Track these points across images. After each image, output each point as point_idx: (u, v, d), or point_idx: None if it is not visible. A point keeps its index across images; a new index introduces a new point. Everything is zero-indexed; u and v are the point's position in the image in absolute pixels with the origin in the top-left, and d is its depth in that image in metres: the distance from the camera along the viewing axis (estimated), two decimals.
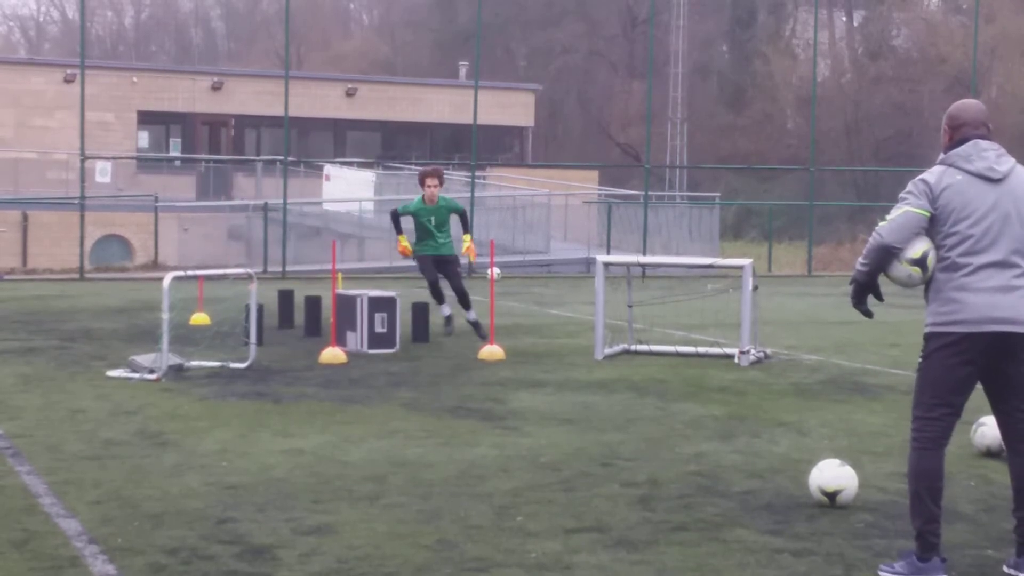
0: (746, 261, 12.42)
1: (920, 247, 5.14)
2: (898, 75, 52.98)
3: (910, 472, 5.21)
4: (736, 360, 11.93)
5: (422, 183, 13.07)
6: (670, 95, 51.77)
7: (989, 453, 7.57)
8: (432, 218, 13.12)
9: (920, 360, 5.21)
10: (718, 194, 41.68)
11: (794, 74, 53.59)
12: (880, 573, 5.21)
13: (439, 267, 13.27)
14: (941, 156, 5.21)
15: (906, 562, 5.17)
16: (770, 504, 6.36)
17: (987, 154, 5.12)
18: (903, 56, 55.65)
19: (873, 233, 5.17)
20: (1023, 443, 5.23)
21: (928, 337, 5.17)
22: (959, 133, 5.20)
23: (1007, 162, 5.14)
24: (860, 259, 5.27)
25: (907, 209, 5.10)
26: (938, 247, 5.14)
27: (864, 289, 5.30)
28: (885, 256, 5.14)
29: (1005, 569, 5.26)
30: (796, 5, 61.44)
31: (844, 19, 61.48)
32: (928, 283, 5.19)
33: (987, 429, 7.59)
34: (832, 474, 6.35)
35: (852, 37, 60.34)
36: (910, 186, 5.17)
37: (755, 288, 12.28)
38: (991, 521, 6.09)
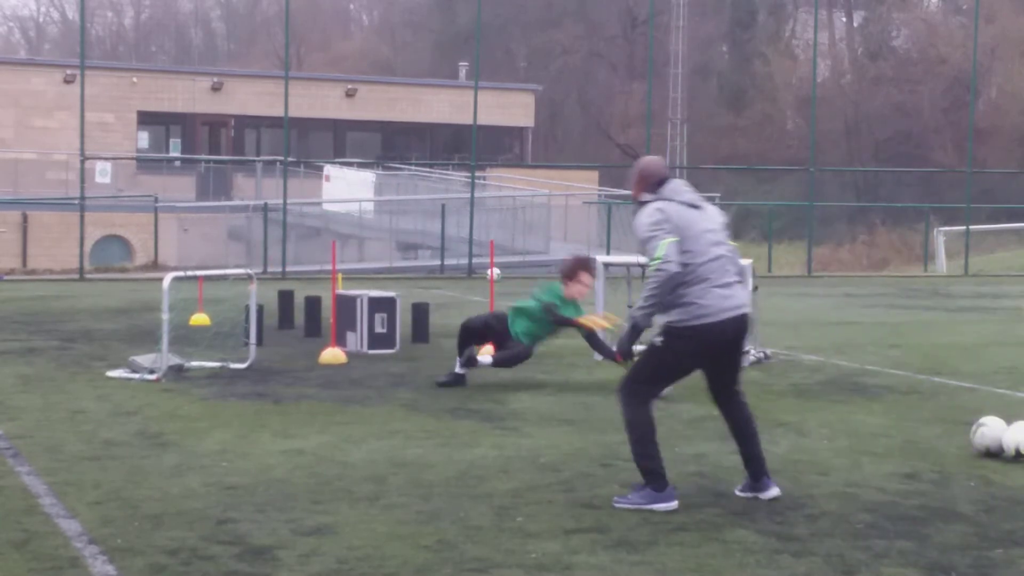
0: (746, 261, 12.35)
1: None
2: (898, 75, 53.02)
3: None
4: None
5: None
6: (670, 96, 51.79)
7: (989, 453, 7.57)
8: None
9: None
10: (718, 195, 41.60)
11: (794, 75, 53.58)
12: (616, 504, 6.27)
13: None
14: (645, 197, 6.43)
15: (641, 494, 6.23)
16: (770, 504, 6.36)
17: (686, 190, 6.57)
18: (903, 56, 55.69)
19: (656, 272, 6.24)
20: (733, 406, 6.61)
21: None
22: (655, 178, 6.49)
23: (700, 198, 6.58)
24: (644, 299, 6.36)
25: (669, 240, 6.28)
26: None
27: (641, 332, 6.58)
28: (671, 282, 6.34)
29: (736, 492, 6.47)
30: (796, 6, 61.46)
31: (844, 20, 61.49)
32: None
33: (987, 430, 7.59)
34: None
35: (852, 38, 60.36)
36: (653, 225, 6.30)
37: (755, 289, 12.25)
38: (991, 521, 6.09)
